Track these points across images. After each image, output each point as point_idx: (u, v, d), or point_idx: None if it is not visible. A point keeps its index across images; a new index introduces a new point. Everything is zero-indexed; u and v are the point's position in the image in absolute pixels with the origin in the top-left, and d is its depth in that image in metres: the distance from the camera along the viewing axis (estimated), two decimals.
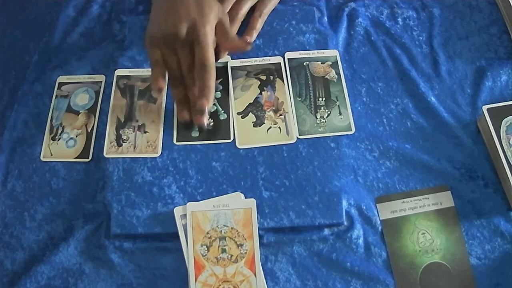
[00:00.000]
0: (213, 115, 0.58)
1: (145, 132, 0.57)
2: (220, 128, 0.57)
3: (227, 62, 0.60)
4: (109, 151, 0.56)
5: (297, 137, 0.56)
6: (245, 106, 0.58)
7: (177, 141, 0.56)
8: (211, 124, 0.57)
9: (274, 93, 0.59)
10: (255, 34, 0.61)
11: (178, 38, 0.53)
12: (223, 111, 0.58)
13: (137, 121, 0.58)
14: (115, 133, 0.57)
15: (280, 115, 0.58)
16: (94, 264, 0.52)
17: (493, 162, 0.56)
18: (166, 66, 0.55)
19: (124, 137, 0.57)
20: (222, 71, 0.60)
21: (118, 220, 0.52)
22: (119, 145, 0.56)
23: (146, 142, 0.56)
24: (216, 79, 0.59)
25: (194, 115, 0.54)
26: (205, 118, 0.53)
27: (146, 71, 0.60)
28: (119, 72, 0.61)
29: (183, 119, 0.55)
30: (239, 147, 0.56)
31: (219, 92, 0.59)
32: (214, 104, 0.58)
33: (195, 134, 0.57)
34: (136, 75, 0.60)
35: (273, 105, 0.58)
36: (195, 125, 0.55)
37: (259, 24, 0.61)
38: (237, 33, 0.61)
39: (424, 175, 0.56)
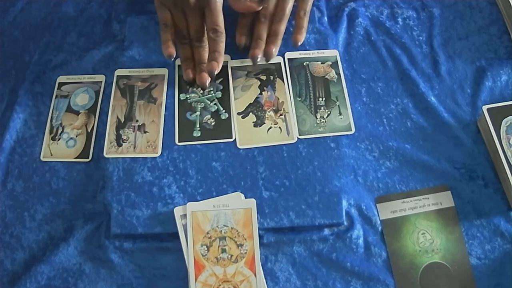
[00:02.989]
0: (214, 114, 0.58)
1: (145, 132, 0.57)
2: (221, 127, 0.57)
3: (227, 62, 0.60)
4: (109, 151, 0.56)
5: (297, 137, 0.56)
6: (245, 106, 0.58)
7: (179, 141, 0.56)
8: (212, 124, 0.57)
9: (274, 93, 0.59)
10: (304, 33, 0.61)
11: (189, 3, 0.55)
12: (224, 111, 0.58)
13: (137, 121, 0.58)
14: (115, 133, 0.57)
15: (281, 115, 0.58)
16: (94, 264, 0.52)
17: (493, 162, 0.56)
18: (175, 26, 0.57)
19: (124, 137, 0.57)
20: (222, 71, 0.60)
21: (118, 220, 0.52)
22: (119, 145, 0.56)
23: (146, 142, 0.56)
24: (217, 79, 0.59)
25: (198, 73, 0.58)
26: (208, 79, 0.57)
27: (146, 71, 0.60)
28: (119, 72, 0.61)
29: (187, 78, 0.58)
30: (240, 147, 0.56)
31: (219, 92, 0.59)
32: (215, 103, 0.58)
33: (197, 134, 0.57)
34: (136, 75, 0.60)
35: (274, 105, 0.58)
36: (197, 85, 0.59)
37: (306, 23, 0.61)
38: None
39: (424, 175, 0.56)
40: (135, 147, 0.56)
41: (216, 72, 0.56)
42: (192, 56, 0.59)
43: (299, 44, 0.60)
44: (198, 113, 0.58)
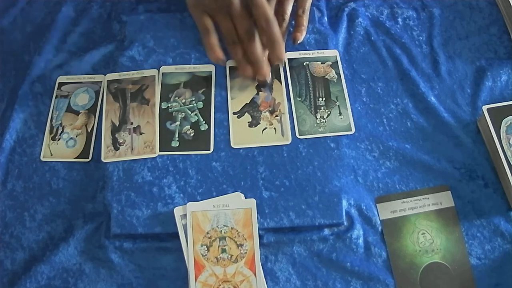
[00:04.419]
0: (194, 125, 0.57)
1: (141, 133, 0.57)
2: (200, 139, 0.56)
3: (211, 72, 0.60)
4: (107, 156, 0.56)
5: (297, 137, 0.56)
6: (241, 106, 0.58)
7: (160, 151, 0.56)
8: (191, 134, 0.57)
9: (271, 93, 0.59)
10: (304, 31, 0.61)
11: (233, 5, 0.55)
12: (204, 122, 0.57)
13: (131, 123, 0.58)
14: (111, 137, 0.57)
15: (276, 116, 0.58)
16: (94, 264, 0.52)
17: (493, 162, 0.56)
18: (221, 31, 0.58)
19: (121, 140, 0.56)
20: (204, 81, 0.59)
21: (118, 220, 0.52)
22: (116, 149, 0.56)
23: (143, 143, 0.56)
24: (199, 89, 0.59)
25: (257, 70, 0.57)
26: (269, 72, 0.58)
27: (136, 73, 0.60)
28: (109, 76, 0.60)
29: (247, 75, 0.58)
30: (234, 146, 0.56)
31: (201, 102, 0.58)
32: (195, 114, 0.58)
33: (175, 144, 0.56)
34: (127, 78, 0.60)
35: (270, 105, 0.58)
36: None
37: (305, 21, 0.61)
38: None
39: (424, 175, 0.56)
40: (132, 149, 0.56)
41: (284, 60, 0.58)
42: (245, 55, 0.58)
43: (298, 42, 0.60)
44: (178, 122, 0.57)
